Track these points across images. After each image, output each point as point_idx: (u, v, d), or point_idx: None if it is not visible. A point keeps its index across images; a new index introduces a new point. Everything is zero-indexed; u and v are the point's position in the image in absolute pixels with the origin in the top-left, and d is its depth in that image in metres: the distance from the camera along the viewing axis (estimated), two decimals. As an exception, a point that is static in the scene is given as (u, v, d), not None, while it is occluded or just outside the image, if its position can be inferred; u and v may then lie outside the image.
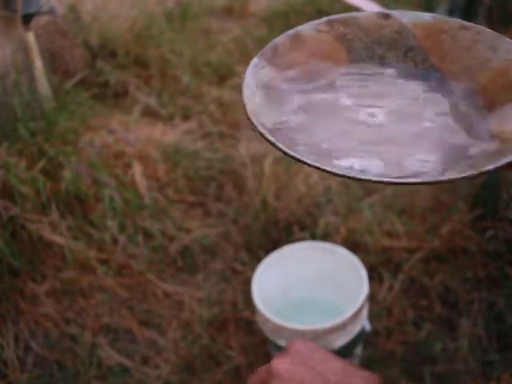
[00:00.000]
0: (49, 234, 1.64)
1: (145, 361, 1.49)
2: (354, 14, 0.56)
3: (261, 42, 2.71)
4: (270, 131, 0.45)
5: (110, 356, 1.47)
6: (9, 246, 1.59)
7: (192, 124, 2.26)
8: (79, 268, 1.65)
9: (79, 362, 1.46)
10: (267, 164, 1.89)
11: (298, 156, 0.42)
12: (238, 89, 0.49)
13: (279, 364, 0.44)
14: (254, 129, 0.45)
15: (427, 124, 0.48)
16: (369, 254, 1.62)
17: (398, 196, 1.83)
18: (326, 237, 1.66)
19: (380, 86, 0.52)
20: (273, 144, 0.44)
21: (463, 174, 0.40)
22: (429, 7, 2.71)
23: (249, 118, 0.46)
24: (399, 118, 0.49)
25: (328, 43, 0.55)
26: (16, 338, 1.50)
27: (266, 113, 0.47)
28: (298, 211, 1.76)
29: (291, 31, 0.54)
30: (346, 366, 0.44)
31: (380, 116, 0.49)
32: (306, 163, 0.42)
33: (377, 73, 0.53)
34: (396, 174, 0.43)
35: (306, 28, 0.55)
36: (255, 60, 0.51)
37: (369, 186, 1.86)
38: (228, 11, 3.26)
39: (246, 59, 2.60)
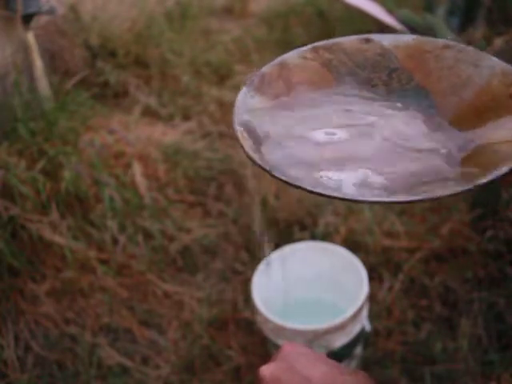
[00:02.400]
0: (49, 234, 1.64)
1: (145, 361, 1.49)
2: (337, 39, 0.57)
3: (261, 42, 2.71)
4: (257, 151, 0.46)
5: (110, 356, 1.47)
6: (9, 246, 1.59)
7: (192, 124, 2.26)
8: (79, 268, 1.65)
9: (79, 362, 1.46)
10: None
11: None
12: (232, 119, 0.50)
13: (267, 370, 0.44)
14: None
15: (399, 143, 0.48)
16: (369, 254, 1.62)
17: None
18: (326, 237, 1.66)
19: (361, 108, 0.53)
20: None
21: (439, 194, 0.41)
22: (429, 8, 2.71)
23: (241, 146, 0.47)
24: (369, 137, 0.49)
25: (314, 70, 0.55)
26: (16, 338, 1.50)
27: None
28: (298, 211, 1.76)
29: (277, 60, 0.55)
30: (332, 371, 0.43)
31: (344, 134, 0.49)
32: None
33: (359, 95, 0.54)
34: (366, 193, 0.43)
35: (292, 56, 0.56)
36: (244, 90, 0.52)
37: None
38: (228, 11, 3.26)
39: (245, 59, 2.61)
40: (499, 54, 0.53)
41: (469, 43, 0.55)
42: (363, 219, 1.72)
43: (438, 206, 1.78)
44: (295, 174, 0.44)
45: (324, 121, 0.51)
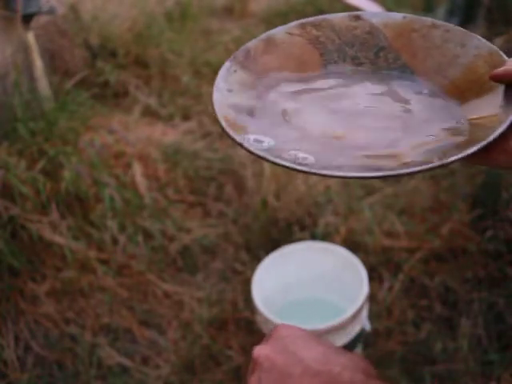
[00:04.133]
0: (49, 234, 1.64)
1: (145, 361, 1.49)
2: (325, 16, 0.56)
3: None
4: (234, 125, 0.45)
5: (110, 356, 1.47)
6: (9, 246, 1.59)
7: (192, 124, 2.26)
8: (79, 268, 1.65)
9: (79, 362, 1.46)
10: (267, 164, 1.89)
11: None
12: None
13: (260, 351, 0.44)
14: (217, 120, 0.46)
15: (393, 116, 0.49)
16: (369, 254, 1.62)
17: (398, 196, 1.83)
18: (326, 237, 1.66)
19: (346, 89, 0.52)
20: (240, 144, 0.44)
21: (429, 165, 0.40)
22: (429, 8, 2.71)
23: (217, 119, 0.46)
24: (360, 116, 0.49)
25: (300, 46, 0.55)
26: (16, 338, 1.50)
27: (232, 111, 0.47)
28: (298, 211, 1.76)
29: (263, 35, 0.55)
30: (327, 352, 0.43)
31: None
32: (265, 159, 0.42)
33: (343, 75, 0.54)
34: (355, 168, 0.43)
35: (278, 31, 0.55)
36: (227, 64, 0.51)
37: (369, 186, 1.86)
38: (228, 11, 3.26)
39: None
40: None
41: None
42: (363, 219, 1.72)
43: (438, 205, 1.78)
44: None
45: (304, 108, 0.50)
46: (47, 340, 1.52)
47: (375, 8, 1.98)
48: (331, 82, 0.53)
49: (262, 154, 0.42)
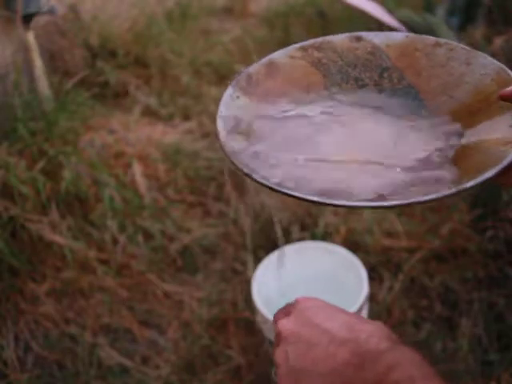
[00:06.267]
0: (49, 234, 1.64)
1: (145, 361, 1.49)
2: (325, 37, 0.56)
3: (261, 42, 2.71)
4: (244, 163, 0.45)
5: (110, 356, 1.47)
6: (9, 246, 1.59)
7: (192, 124, 2.26)
8: (79, 268, 1.65)
9: (79, 362, 1.46)
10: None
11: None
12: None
13: (284, 325, 0.44)
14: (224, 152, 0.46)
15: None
16: (369, 254, 1.62)
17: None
18: (325, 237, 1.66)
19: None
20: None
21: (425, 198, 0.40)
22: (429, 8, 2.71)
23: (221, 145, 0.46)
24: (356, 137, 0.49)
25: (303, 69, 0.54)
26: (16, 338, 1.50)
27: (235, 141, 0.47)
28: (298, 211, 1.76)
29: (264, 59, 0.54)
30: (352, 321, 0.43)
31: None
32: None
33: (345, 99, 0.53)
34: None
35: (280, 55, 0.54)
36: (229, 90, 0.51)
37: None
38: (228, 11, 3.26)
39: (246, 59, 2.61)
40: (499, 54, 0.52)
41: (469, 43, 0.55)
42: (363, 219, 1.72)
43: (438, 205, 1.78)
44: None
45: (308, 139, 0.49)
46: (47, 340, 1.51)
47: (375, 8, 1.98)
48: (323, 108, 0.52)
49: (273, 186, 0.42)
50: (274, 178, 0.43)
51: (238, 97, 0.50)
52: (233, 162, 0.45)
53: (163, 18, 2.80)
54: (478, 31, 2.17)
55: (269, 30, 2.94)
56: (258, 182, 0.43)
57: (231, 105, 0.50)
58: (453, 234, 1.66)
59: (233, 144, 0.46)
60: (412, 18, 2.03)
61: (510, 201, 1.60)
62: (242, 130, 0.48)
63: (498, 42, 1.75)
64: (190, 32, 2.83)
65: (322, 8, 2.95)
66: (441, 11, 2.56)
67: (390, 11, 2.04)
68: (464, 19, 2.41)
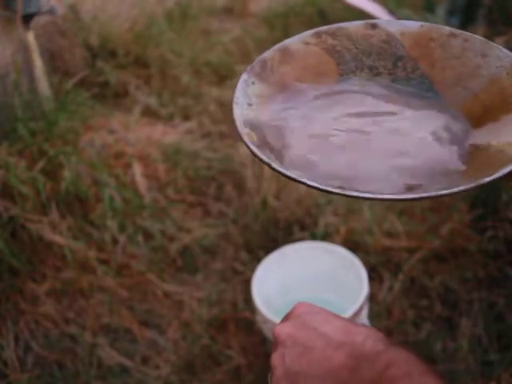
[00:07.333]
0: (49, 234, 1.64)
1: (145, 361, 1.49)
2: (340, 24, 0.55)
3: (261, 42, 2.71)
4: (258, 146, 0.45)
5: (110, 356, 1.47)
6: (9, 246, 1.59)
7: (192, 124, 2.26)
8: (79, 268, 1.65)
9: (79, 362, 1.46)
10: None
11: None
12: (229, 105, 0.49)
13: (281, 329, 0.44)
14: (242, 141, 0.46)
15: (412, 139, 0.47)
16: (369, 254, 1.62)
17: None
18: (325, 237, 1.66)
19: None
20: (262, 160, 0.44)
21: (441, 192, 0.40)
22: (429, 8, 2.71)
23: (238, 133, 0.46)
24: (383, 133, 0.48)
25: (317, 56, 0.54)
26: (16, 338, 1.50)
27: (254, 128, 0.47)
28: (298, 211, 1.76)
29: (279, 45, 0.53)
30: (347, 325, 0.43)
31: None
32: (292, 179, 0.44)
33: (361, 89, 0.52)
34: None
35: (294, 41, 0.54)
36: (244, 76, 0.50)
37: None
38: (228, 11, 3.26)
39: (246, 59, 2.61)
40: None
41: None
42: (363, 219, 1.72)
43: (438, 205, 1.78)
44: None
45: (324, 119, 0.50)
46: (47, 340, 1.52)
47: (376, 8, 1.98)
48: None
49: (291, 174, 0.44)
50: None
51: (253, 82, 0.50)
52: (253, 153, 0.44)
53: (163, 18, 2.80)
54: (478, 31, 2.17)
55: (269, 30, 2.93)
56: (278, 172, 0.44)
57: (247, 91, 0.50)
58: (453, 234, 1.66)
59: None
60: (412, 18, 2.03)
61: (509, 201, 1.60)
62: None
63: (499, 42, 1.75)
64: (190, 32, 2.83)
65: (322, 8, 2.95)
66: (441, 11, 2.56)
67: (391, 11, 2.04)
68: (464, 19, 2.41)
